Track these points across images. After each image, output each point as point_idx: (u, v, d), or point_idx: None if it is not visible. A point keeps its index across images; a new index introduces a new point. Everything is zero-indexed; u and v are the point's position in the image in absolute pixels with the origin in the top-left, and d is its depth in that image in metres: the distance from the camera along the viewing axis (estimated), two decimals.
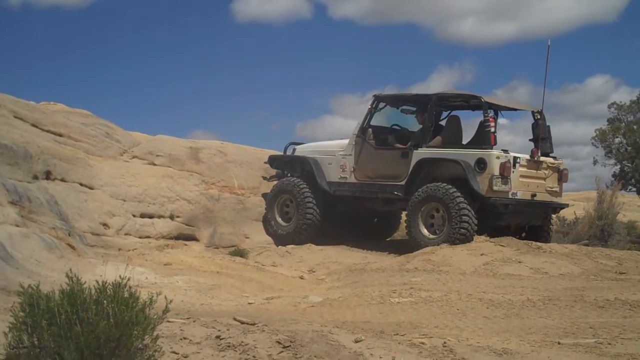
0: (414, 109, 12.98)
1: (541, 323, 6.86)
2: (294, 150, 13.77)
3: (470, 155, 11.68)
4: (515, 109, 13.46)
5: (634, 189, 29.12)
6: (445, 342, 5.66)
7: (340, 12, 79.23)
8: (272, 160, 13.86)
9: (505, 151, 11.68)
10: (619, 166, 28.90)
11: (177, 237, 12.06)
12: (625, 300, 7.91)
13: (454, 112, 13.12)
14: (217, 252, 11.83)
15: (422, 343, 5.63)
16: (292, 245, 12.39)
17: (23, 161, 10.22)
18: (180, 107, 64.08)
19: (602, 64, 72.92)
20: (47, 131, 12.04)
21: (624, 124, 29.03)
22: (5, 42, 58.49)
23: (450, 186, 11.62)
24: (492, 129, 11.65)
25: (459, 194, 11.53)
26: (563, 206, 13.08)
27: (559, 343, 5.91)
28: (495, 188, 11.47)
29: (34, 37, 60.76)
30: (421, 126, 12.45)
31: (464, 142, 12.68)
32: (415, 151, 12.10)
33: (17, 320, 3.97)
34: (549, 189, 12.40)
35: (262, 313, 7.23)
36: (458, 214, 11.48)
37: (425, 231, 11.86)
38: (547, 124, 12.65)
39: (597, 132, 29.30)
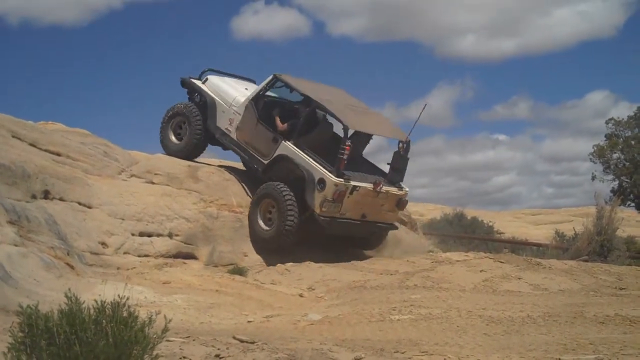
0: (303, 99, 13.72)
1: (541, 339, 6.84)
2: (207, 79, 14.76)
3: (317, 171, 12.60)
4: (384, 136, 14.28)
5: (633, 204, 29.15)
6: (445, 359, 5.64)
7: (338, 29, 79.55)
8: (183, 82, 14.98)
9: (348, 180, 12.47)
10: (617, 182, 28.93)
11: (176, 256, 12.00)
12: (625, 316, 7.90)
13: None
14: (216, 271, 11.79)
15: None
16: (292, 263, 12.36)
17: (21, 181, 10.21)
18: None
19: (601, 80, 73.25)
20: (46, 150, 12.02)
21: (621, 139, 29.09)
22: (4, 61, 58.65)
23: (282, 186, 12.82)
24: (344, 156, 12.39)
25: (288, 193, 12.70)
26: (391, 228, 13.99)
27: (559, 359, 5.89)
28: (324, 209, 12.51)
29: (33, 56, 60.93)
30: (295, 120, 13.35)
31: None
32: (282, 142, 13.14)
33: (16, 340, 3.96)
34: (383, 212, 13.37)
35: (261, 331, 7.22)
36: (285, 211, 12.61)
37: (262, 224, 13.02)
38: (408, 156, 13.55)
39: (595, 148, 29.35)
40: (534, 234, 32.52)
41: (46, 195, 10.72)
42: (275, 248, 12.92)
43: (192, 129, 14.43)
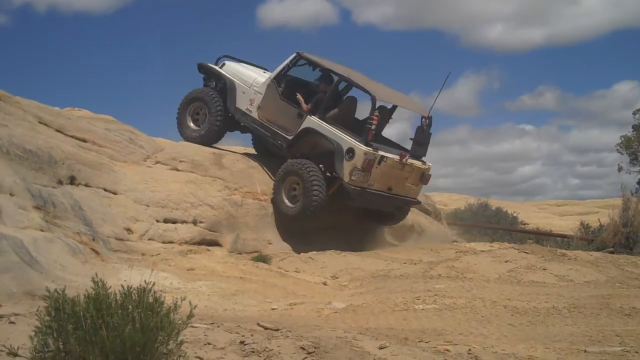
0: (322, 75, 13.98)
1: (567, 331, 6.80)
2: (224, 64, 14.92)
3: (345, 141, 12.74)
4: (408, 109, 14.43)
5: None
6: (470, 350, 5.62)
7: (364, 17, 79.23)
8: (201, 67, 15.14)
9: (376, 150, 12.69)
10: None
11: (200, 243, 12.04)
12: None
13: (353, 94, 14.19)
14: (240, 258, 11.81)
15: (447, 350, 5.59)
16: (315, 252, 12.37)
17: (48, 166, 10.27)
18: None
19: (629, 70, 72.45)
20: (72, 137, 12.09)
21: None
22: (31, 48, 59.05)
23: (306, 161, 13.00)
24: (372, 127, 12.64)
25: (313, 168, 12.92)
26: (415, 202, 14.18)
27: (585, 351, 5.85)
28: (353, 177, 12.63)
29: (60, 43, 61.26)
30: (320, 94, 13.50)
31: None
32: (308, 117, 13.27)
33: (43, 324, 3.98)
34: (408, 185, 13.55)
35: (285, 319, 7.22)
36: (310, 186, 12.77)
37: (287, 201, 13.22)
38: (431, 131, 13.73)
39: (623, 139, 29.06)
40: (559, 225, 32.31)
41: (72, 181, 10.79)
42: (299, 226, 13.05)
43: (212, 115, 14.56)
